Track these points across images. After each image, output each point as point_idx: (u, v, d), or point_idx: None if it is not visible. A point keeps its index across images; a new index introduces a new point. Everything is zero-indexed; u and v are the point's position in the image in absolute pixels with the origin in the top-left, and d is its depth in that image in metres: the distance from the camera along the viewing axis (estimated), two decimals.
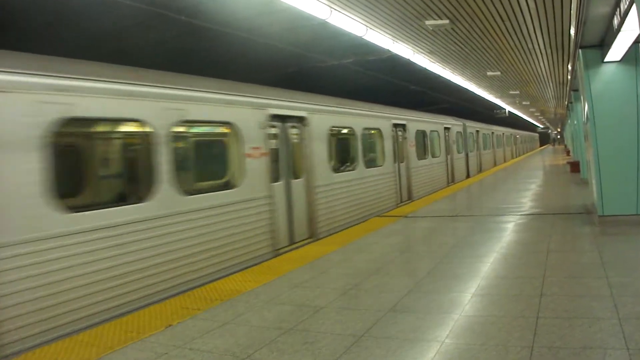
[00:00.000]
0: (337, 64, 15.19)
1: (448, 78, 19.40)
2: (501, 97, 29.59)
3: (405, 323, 5.55)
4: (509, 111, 37.82)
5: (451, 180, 24.92)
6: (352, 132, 14.51)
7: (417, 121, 20.34)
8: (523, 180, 23.64)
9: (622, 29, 7.02)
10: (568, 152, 44.72)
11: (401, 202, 17.52)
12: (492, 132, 38.31)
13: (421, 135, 20.62)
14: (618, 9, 6.95)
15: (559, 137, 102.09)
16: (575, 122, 24.17)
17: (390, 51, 13.51)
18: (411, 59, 14.87)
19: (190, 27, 10.12)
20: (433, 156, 21.89)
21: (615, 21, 7.34)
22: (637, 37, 7.68)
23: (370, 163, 15.44)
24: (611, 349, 4.46)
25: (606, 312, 5.38)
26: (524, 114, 49.63)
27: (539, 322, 5.22)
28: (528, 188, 19.53)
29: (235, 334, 5.60)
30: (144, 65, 8.54)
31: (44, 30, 9.36)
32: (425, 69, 16.68)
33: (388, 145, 16.68)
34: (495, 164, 38.13)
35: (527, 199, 15.96)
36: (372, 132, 16.10)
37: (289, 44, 12.62)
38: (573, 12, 8.80)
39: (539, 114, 52.50)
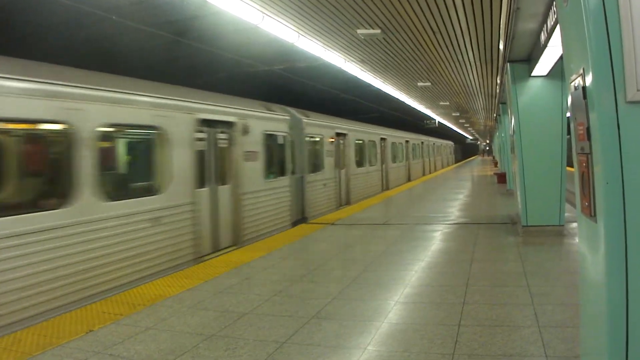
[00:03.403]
0: (267, 69, 15.16)
1: (379, 87, 19.58)
2: (432, 107, 30.05)
3: (328, 330, 5.51)
4: (438, 122, 38.52)
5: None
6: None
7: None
8: (451, 190, 24.05)
9: (549, 44, 7.17)
10: (496, 164, 45.79)
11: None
12: None
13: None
14: (545, 26, 7.11)
15: (487, 148, 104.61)
16: (502, 134, 24.74)
17: (321, 59, 13.53)
18: (342, 68, 14.93)
19: (122, 28, 9.93)
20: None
21: (542, 37, 7.51)
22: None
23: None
24: (530, 356, 4.54)
25: (527, 320, 5.48)
26: (454, 125, 50.61)
27: (461, 330, 5.27)
28: (456, 198, 19.87)
29: (157, 339, 5.45)
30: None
31: None
32: (356, 77, 16.78)
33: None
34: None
35: (454, 209, 16.22)
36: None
37: (220, 49, 12.50)
38: (502, 27, 8.98)
39: (468, 125, 53.62)
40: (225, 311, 6.35)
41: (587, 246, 3.09)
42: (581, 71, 2.82)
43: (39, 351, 5.17)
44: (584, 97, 2.80)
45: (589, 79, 2.73)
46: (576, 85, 2.94)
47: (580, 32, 2.76)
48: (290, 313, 6.17)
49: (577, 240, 9.39)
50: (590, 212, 2.85)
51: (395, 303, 6.39)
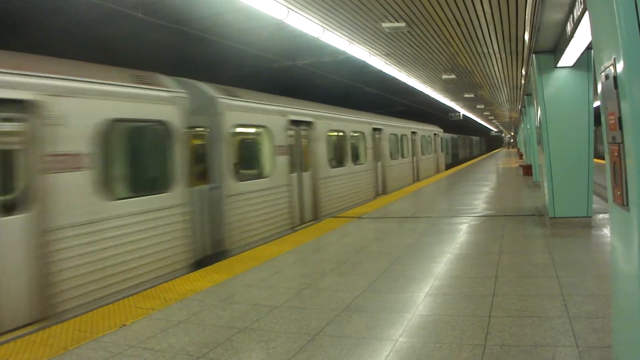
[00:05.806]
0: (291, 64, 15.21)
1: (404, 81, 19.55)
2: (456, 100, 29.91)
3: (359, 322, 5.56)
4: (462, 114, 38.36)
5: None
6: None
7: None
8: (476, 182, 23.92)
9: (575, 35, 7.13)
10: (521, 156, 45.51)
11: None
12: None
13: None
14: (571, 16, 7.06)
15: (512, 140, 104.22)
16: (528, 126, 24.53)
17: (346, 53, 13.54)
18: (367, 61, 14.93)
19: (147, 24, 10.03)
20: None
21: (569, 27, 7.47)
22: (590, 44, 7.81)
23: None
24: (561, 346, 4.53)
25: (557, 311, 5.47)
26: (479, 117, 50.32)
27: (491, 321, 5.28)
28: (481, 190, 19.77)
29: (190, 332, 5.53)
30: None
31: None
32: (380, 71, 16.77)
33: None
34: None
35: (480, 201, 16.15)
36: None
37: (245, 44, 12.56)
38: (527, 18, 8.93)
39: (493, 117, 53.29)
40: (257, 305, 6.42)
41: (619, 236, 3.09)
42: (612, 60, 2.82)
43: (74, 345, 5.27)
44: (615, 86, 2.80)
45: (620, 68, 2.73)
46: (607, 74, 2.94)
47: (610, 21, 2.76)
48: (321, 306, 6.22)
49: (605, 232, 9.39)
50: (622, 201, 2.85)
51: (425, 295, 6.42)
